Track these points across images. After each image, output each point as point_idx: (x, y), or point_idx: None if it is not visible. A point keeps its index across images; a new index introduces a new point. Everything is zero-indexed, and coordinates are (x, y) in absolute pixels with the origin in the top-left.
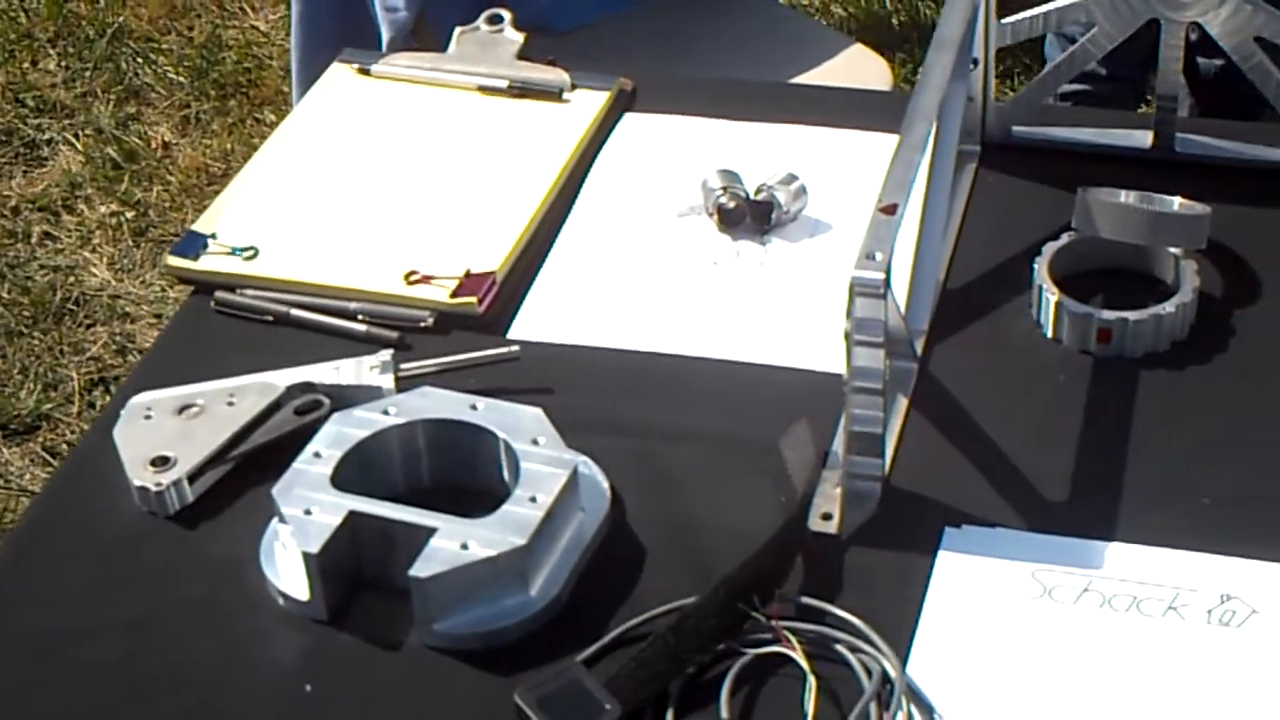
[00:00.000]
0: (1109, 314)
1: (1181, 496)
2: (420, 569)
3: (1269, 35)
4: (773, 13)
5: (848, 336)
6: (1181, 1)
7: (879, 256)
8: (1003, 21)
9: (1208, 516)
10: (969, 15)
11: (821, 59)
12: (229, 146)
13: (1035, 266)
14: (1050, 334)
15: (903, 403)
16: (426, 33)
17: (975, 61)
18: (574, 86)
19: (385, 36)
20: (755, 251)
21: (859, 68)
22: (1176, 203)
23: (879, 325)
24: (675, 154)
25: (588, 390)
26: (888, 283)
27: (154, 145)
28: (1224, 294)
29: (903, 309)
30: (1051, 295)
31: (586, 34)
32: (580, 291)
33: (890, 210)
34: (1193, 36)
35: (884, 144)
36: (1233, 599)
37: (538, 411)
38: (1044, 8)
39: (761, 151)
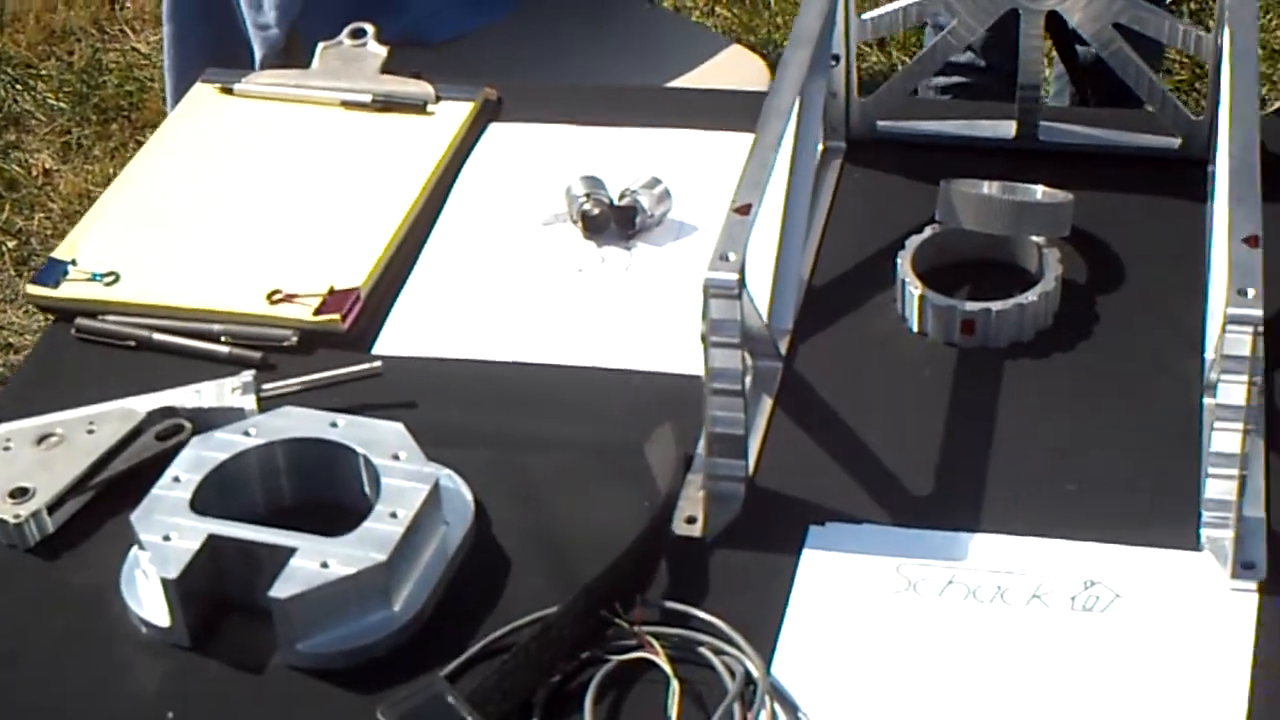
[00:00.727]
0: (972, 305)
1: (1046, 485)
2: (280, 589)
3: (1127, 22)
4: (650, 16)
5: (704, 338)
6: None
7: (732, 257)
8: (863, 17)
9: (1072, 504)
10: (826, 11)
11: (699, 61)
12: (111, 171)
13: (898, 261)
14: (915, 328)
15: (767, 403)
16: (300, 50)
17: (836, 58)
18: (438, 99)
19: (258, 55)
20: (620, 257)
21: (738, 69)
22: (1039, 191)
23: (735, 326)
24: (541, 162)
25: (453, 403)
26: (742, 283)
27: (34, 173)
28: (1088, 281)
29: (763, 309)
30: (914, 289)
31: (462, 45)
32: (445, 304)
33: (744, 210)
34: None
35: (749, 144)
36: (1096, 585)
37: (399, 426)
38: (903, 2)
39: (627, 156)
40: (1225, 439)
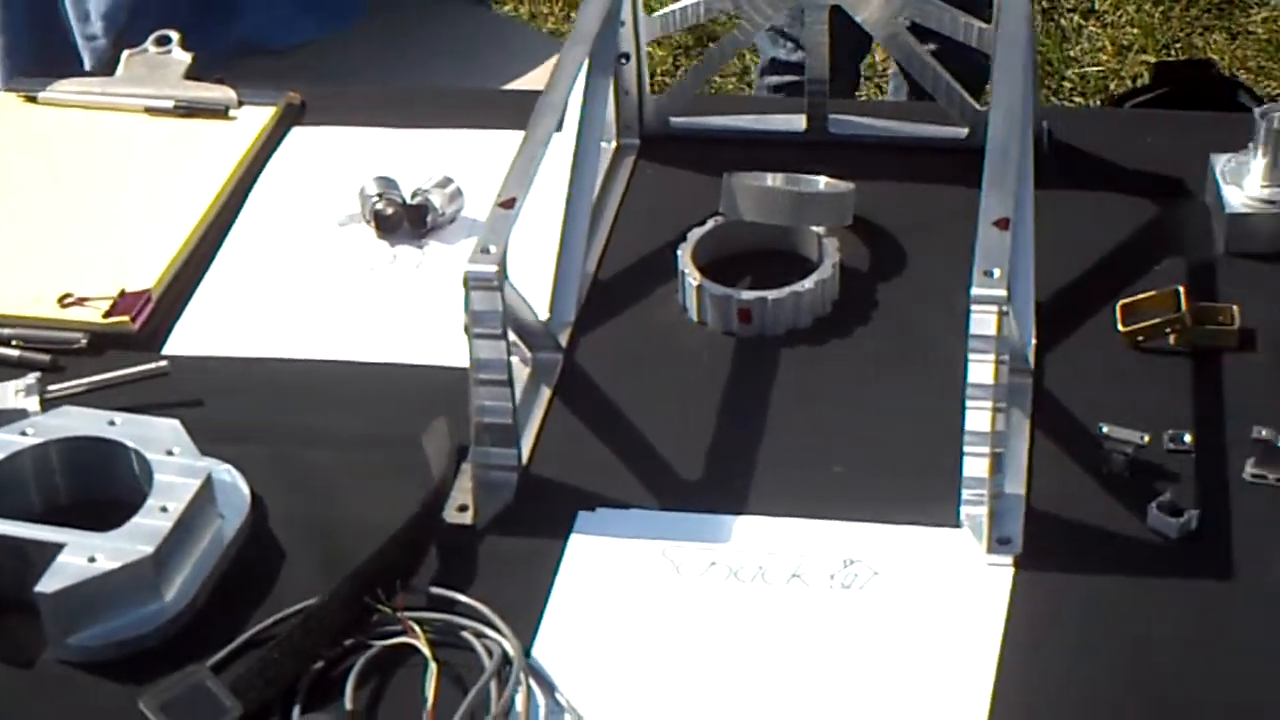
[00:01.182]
0: (748, 295)
1: (813, 467)
2: (46, 584)
3: (912, 16)
4: (489, 21)
5: (467, 330)
6: None
7: (493, 249)
8: (652, 15)
9: (837, 484)
10: (606, 11)
11: (534, 64)
12: None
13: (679, 252)
14: (695, 318)
15: (546, 393)
16: None
17: (626, 56)
18: (241, 104)
19: (87, 64)
20: (412, 255)
21: None
22: (822, 182)
23: (496, 317)
24: (340, 165)
25: (239, 401)
26: (503, 275)
27: None
28: (870, 268)
29: (542, 301)
30: (693, 279)
31: (307, 51)
32: (238, 305)
33: (509, 204)
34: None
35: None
36: (856, 563)
37: (174, 423)
38: (688, 2)
39: (424, 157)
40: (977, 417)
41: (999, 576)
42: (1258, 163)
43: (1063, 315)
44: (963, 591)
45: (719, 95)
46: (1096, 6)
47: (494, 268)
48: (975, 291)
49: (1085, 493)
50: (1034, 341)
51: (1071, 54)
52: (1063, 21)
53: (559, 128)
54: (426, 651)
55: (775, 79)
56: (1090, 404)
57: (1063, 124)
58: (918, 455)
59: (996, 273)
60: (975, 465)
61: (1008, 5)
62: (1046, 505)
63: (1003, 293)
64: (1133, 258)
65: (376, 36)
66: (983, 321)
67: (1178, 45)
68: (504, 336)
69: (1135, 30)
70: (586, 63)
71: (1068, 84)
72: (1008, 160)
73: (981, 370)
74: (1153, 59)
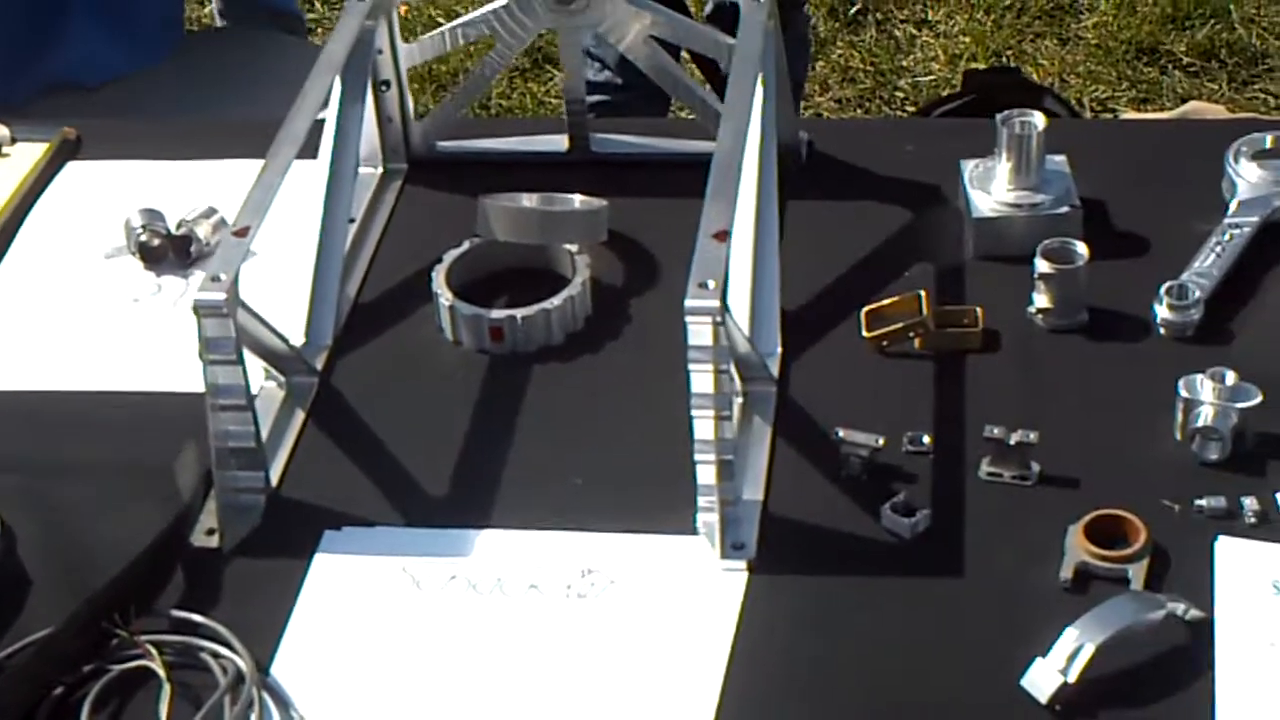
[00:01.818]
0: (498, 313)
1: (556, 480)
2: None
3: (661, 35)
4: (304, 52)
5: (202, 357)
6: (573, 9)
7: (223, 277)
8: (410, 43)
9: (578, 496)
10: (355, 40)
11: None
12: None
13: (434, 274)
14: (451, 338)
15: (300, 415)
16: None
17: (387, 84)
18: (14, 140)
19: None
20: (177, 285)
21: None
22: (577, 200)
23: (230, 344)
24: (111, 198)
25: None
26: (235, 301)
27: None
28: (624, 283)
29: (297, 325)
30: (445, 300)
31: (120, 87)
32: (2, 340)
33: (242, 233)
34: None
35: (312, 170)
36: (593, 572)
37: None
38: (446, 26)
39: (190, 188)
40: (703, 426)
41: (732, 581)
42: (1002, 168)
43: (812, 323)
44: (696, 597)
45: (482, 119)
46: (929, 17)
47: (223, 295)
48: (689, 303)
49: (824, 497)
50: (779, 350)
51: (904, 64)
52: (896, 32)
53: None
54: (162, 673)
55: (591, 98)
56: (834, 409)
57: (824, 135)
58: (663, 466)
59: (711, 284)
60: (705, 473)
61: (745, 20)
62: (786, 510)
63: (716, 303)
64: (885, 264)
65: (190, 69)
66: (699, 332)
67: (1009, 52)
68: (239, 362)
69: (967, 39)
70: (340, 90)
71: (900, 94)
72: (731, 173)
73: (702, 380)
74: (984, 67)
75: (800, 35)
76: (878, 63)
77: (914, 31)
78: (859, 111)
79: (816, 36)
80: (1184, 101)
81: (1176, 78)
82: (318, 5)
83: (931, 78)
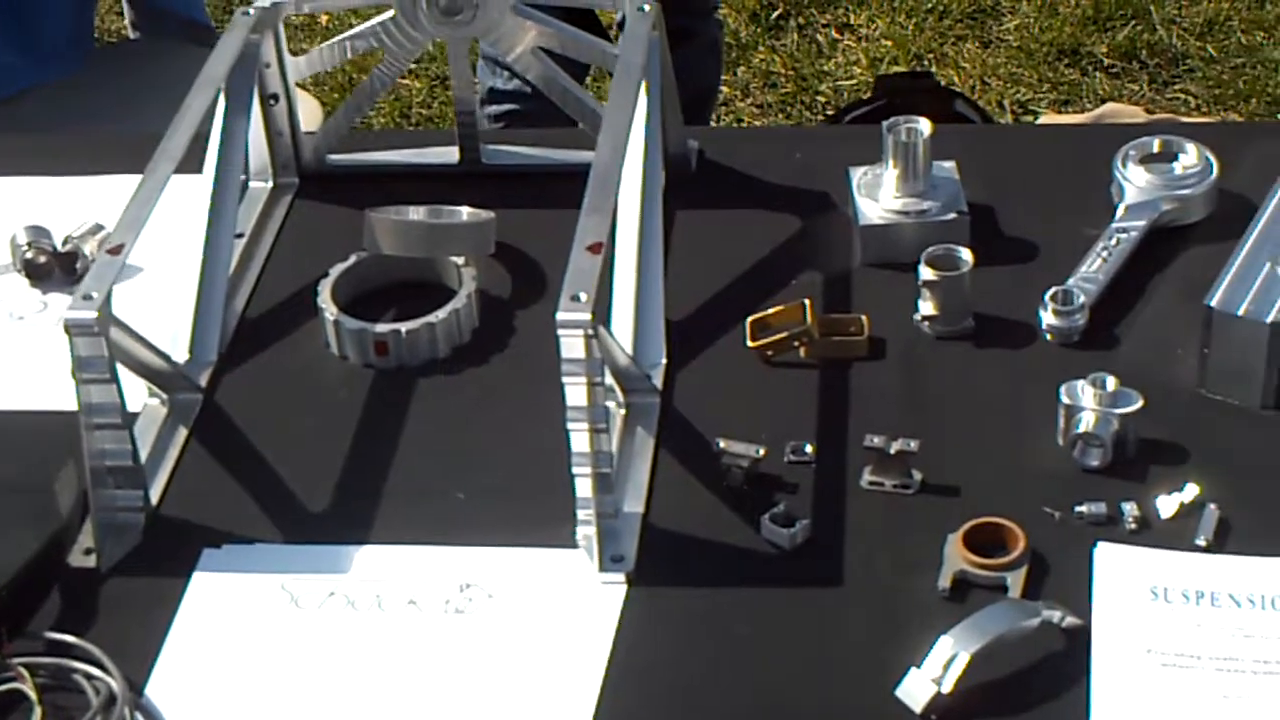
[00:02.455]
0: (382, 327)
1: (438, 494)
2: None
3: (549, 46)
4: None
5: (74, 375)
6: (460, 21)
7: (95, 295)
8: (298, 57)
9: (460, 510)
10: (237, 55)
11: None
12: None
13: (319, 289)
14: (337, 352)
15: (182, 433)
16: None
17: (275, 98)
18: None
19: None
20: (64, 302)
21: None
22: (464, 213)
23: (103, 362)
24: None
25: None
26: (108, 320)
27: None
28: (511, 295)
29: (180, 343)
30: (330, 315)
31: (28, 99)
32: None
33: (116, 250)
34: None
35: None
36: (472, 587)
37: None
38: (335, 39)
39: (78, 205)
40: (578, 439)
41: (611, 593)
42: (889, 175)
43: (699, 333)
44: (574, 610)
45: (372, 130)
46: (851, 21)
47: (94, 314)
48: (560, 316)
49: (705, 508)
50: (664, 361)
51: (826, 68)
52: (818, 36)
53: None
54: (33, 696)
55: (496, 108)
56: (718, 420)
57: (715, 144)
58: (546, 479)
59: (584, 296)
60: (583, 486)
61: (629, 31)
62: (667, 522)
63: (588, 316)
64: (773, 273)
65: (101, 82)
66: (571, 345)
67: (930, 55)
68: (113, 381)
69: (889, 43)
70: (223, 105)
71: (821, 98)
72: (608, 185)
73: (576, 393)
74: (896, 72)
75: (712, 42)
76: (799, 67)
77: (836, 35)
78: (781, 116)
79: (738, 42)
80: (1104, 103)
81: (1097, 79)
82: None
83: (853, 82)
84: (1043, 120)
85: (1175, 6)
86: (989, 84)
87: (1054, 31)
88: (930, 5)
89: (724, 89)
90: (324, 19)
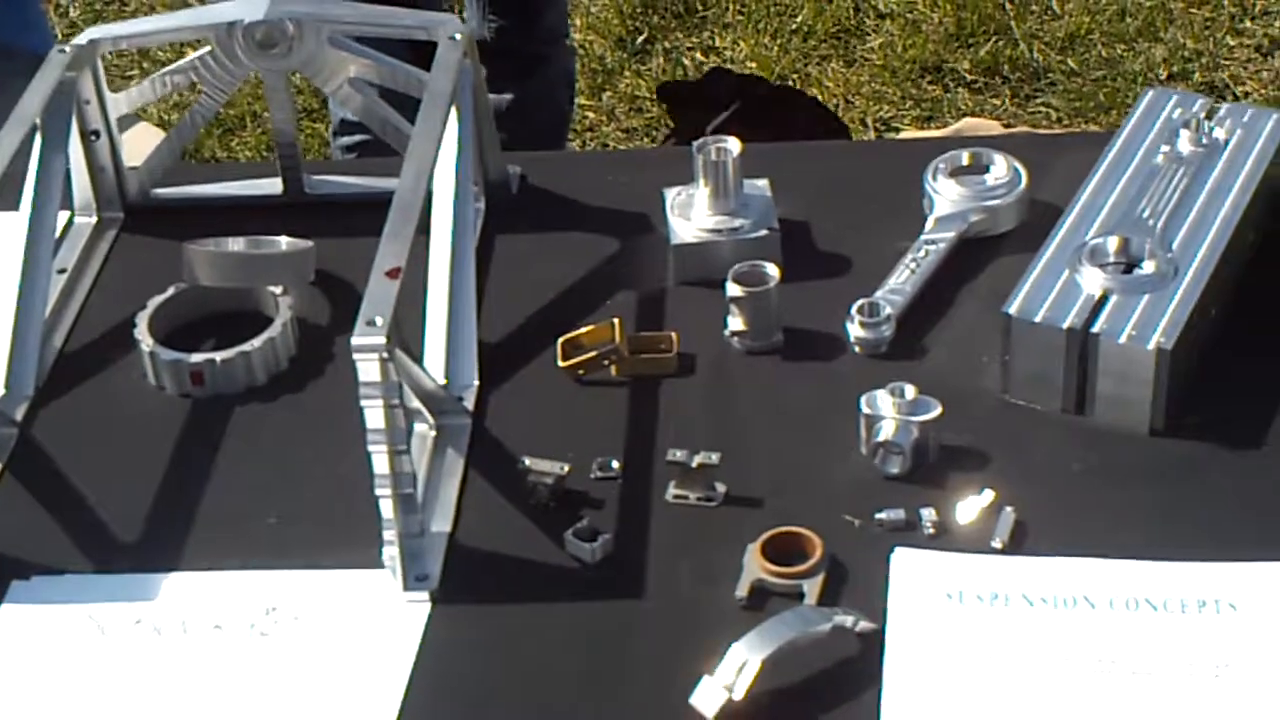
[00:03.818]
0: (197, 357)
1: (251, 519)
2: None
3: (367, 78)
4: None
5: None
6: (276, 54)
7: None
8: (117, 94)
9: (270, 534)
10: (52, 92)
11: None
12: None
13: (137, 321)
14: (155, 383)
15: None
16: None
17: (96, 133)
18: None
19: None
20: None
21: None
22: (284, 242)
23: None
24: None
25: None
26: None
27: None
28: (330, 322)
29: None
30: (146, 346)
31: None
32: None
33: None
34: None
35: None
36: (277, 610)
37: None
38: (154, 76)
39: None
40: (378, 461)
41: (415, 613)
42: (701, 194)
43: (513, 354)
44: (377, 629)
45: (199, 164)
46: (717, 43)
47: None
48: (355, 340)
49: (512, 526)
50: (476, 383)
51: None
52: (684, 60)
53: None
54: None
55: (347, 139)
56: (529, 439)
57: (537, 168)
58: (358, 501)
59: (379, 320)
60: (386, 507)
61: (439, 58)
62: (475, 540)
63: (382, 340)
64: (589, 293)
65: None
66: (367, 369)
67: (795, 76)
68: None
69: (753, 64)
70: (40, 142)
71: None
72: (410, 212)
73: (374, 416)
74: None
75: (564, 69)
76: None
77: (701, 58)
78: (647, 140)
79: (603, 67)
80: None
81: (960, 95)
82: None
83: None
84: (903, 136)
85: (1037, 21)
86: (853, 102)
87: (917, 49)
88: (795, 26)
89: (590, 114)
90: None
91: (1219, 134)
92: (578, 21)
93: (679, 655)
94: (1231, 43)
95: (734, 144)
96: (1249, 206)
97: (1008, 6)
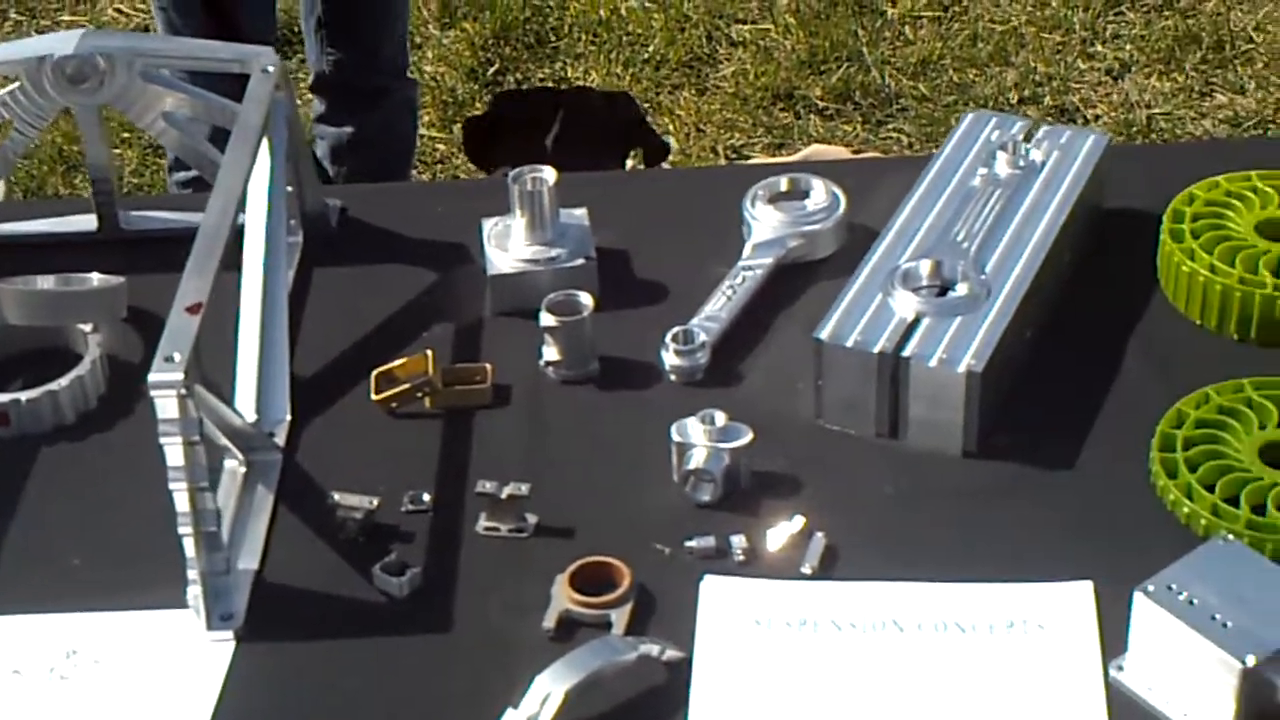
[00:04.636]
0: (3, 397)
1: (54, 561)
2: None
3: (181, 113)
4: None
5: None
6: (87, 89)
7: None
8: None
9: (73, 577)
10: None
11: None
12: None
13: None
14: None
15: None
16: None
17: None
18: None
19: None
20: None
21: None
22: (95, 279)
23: None
24: None
25: None
26: None
27: None
28: (142, 360)
29: None
30: None
31: None
32: None
33: None
34: None
35: None
36: (77, 653)
37: None
38: None
39: None
40: (179, 499)
41: (219, 652)
42: (518, 224)
43: (327, 389)
44: (180, 671)
45: (20, 201)
46: (568, 73)
47: None
48: (153, 377)
49: (321, 561)
50: (288, 418)
51: None
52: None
53: None
54: None
55: (182, 174)
56: (342, 474)
57: (359, 201)
58: (165, 541)
59: (177, 357)
60: (189, 545)
61: (250, 92)
62: (283, 577)
63: (180, 376)
64: (407, 326)
65: None
66: (164, 406)
67: (648, 105)
68: None
69: None
70: None
71: None
72: (213, 246)
73: (174, 453)
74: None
75: (406, 100)
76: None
77: (527, 88)
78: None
79: (454, 99)
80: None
81: (812, 121)
82: None
83: None
84: (753, 163)
85: (889, 47)
86: (704, 131)
87: (769, 76)
88: (646, 55)
89: (441, 146)
90: None
91: (1036, 156)
92: (429, 53)
93: (487, 689)
94: (1082, 66)
95: (549, 173)
96: (1064, 227)
97: (860, 33)
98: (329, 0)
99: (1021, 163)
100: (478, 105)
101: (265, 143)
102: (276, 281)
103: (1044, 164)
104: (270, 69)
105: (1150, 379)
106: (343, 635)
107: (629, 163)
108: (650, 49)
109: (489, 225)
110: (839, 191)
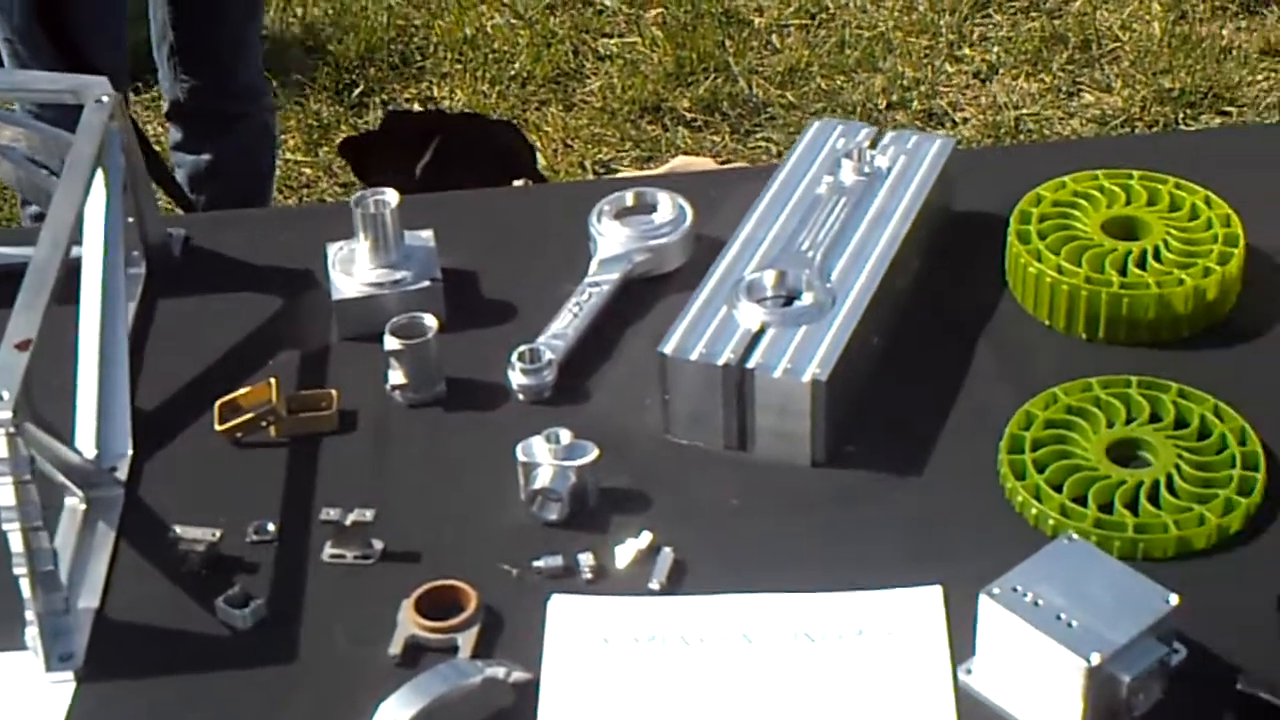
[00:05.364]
0: None
1: None
2: None
3: (20, 147)
4: None
5: None
6: None
7: None
8: None
9: None
10: None
11: None
12: None
13: None
14: None
15: None
16: None
17: None
18: None
19: None
20: None
21: None
22: None
23: None
24: None
25: None
26: None
27: None
28: None
29: None
30: None
31: None
32: None
33: None
34: None
35: None
36: None
37: None
38: None
39: None
40: (13, 539)
41: (58, 694)
42: (362, 248)
43: (170, 421)
44: (19, 714)
45: None
46: (435, 93)
47: None
48: None
49: (165, 596)
50: (129, 453)
51: None
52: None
53: None
54: None
55: (34, 208)
56: (185, 506)
57: (202, 230)
58: (7, 580)
59: (5, 395)
60: (25, 586)
61: (83, 123)
62: (125, 614)
63: (9, 415)
64: (253, 355)
65: None
66: None
67: (516, 121)
68: None
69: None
70: None
71: None
72: (43, 281)
73: (4, 493)
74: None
75: (263, 125)
76: None
77: (419, 109)
78: None
79: (319, 122)
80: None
81: (680, 133)
82: None
83: None
84: (607, 178)
85: (756, 57)
86: (572, 146)
87: (636, 89)
88: (513, 72)
89: (306, 170)
90: None
91: (882, 162)
92: (293, 76)
93: (333, 717)
94: (950, 69)
95: (392, 196)
96: (910, 232)
97: (727, 43)
98: (180, 27)
99: (867, 169)
100: (343, 128)
101: (101, 174)
102: (115, 314)
103: (890, 170)
104: (105, 99)
105: (1000, 381)
106: (186, 670)
107: None
108: (516, 66)
109: (334, 250)
110: (686, 204)
